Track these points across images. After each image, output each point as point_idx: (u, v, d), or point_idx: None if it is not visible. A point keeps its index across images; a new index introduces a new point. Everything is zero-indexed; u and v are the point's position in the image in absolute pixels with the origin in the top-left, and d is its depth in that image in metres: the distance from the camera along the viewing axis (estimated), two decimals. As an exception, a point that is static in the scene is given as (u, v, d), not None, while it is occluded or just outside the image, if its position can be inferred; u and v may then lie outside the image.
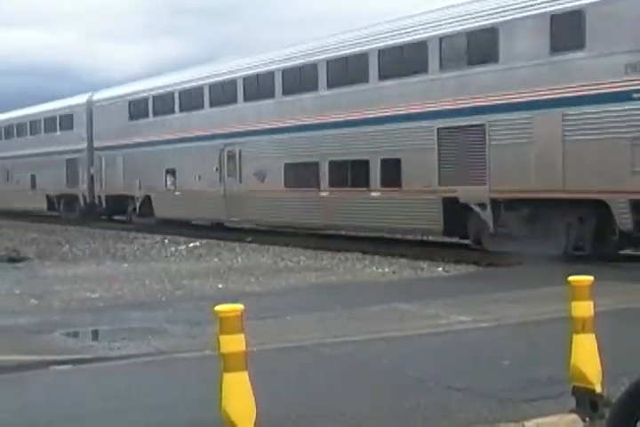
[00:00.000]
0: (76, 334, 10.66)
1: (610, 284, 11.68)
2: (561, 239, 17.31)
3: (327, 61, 23.35)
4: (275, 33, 77.29)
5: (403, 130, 20.64)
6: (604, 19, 16.07)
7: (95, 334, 10.93)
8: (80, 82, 72.31)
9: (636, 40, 15.47)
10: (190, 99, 30.24)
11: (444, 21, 19.66)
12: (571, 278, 6.73)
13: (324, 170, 23.49)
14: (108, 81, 51.44)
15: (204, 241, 25.54)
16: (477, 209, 18.89)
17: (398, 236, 23.58)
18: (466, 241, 20.18)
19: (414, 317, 11.12)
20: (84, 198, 37.94)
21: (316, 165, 23.71)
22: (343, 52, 22.75)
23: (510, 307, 11.61)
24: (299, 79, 24.52)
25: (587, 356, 6.56)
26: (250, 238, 25.50)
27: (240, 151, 27.22)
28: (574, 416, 6.53)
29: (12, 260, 20.59)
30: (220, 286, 15.63)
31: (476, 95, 18.68)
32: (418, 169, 20.30)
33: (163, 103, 32.04)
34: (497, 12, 18.32)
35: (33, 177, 43.19)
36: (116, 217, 37.19)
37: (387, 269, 17.99)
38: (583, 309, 6.60)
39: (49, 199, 41.51)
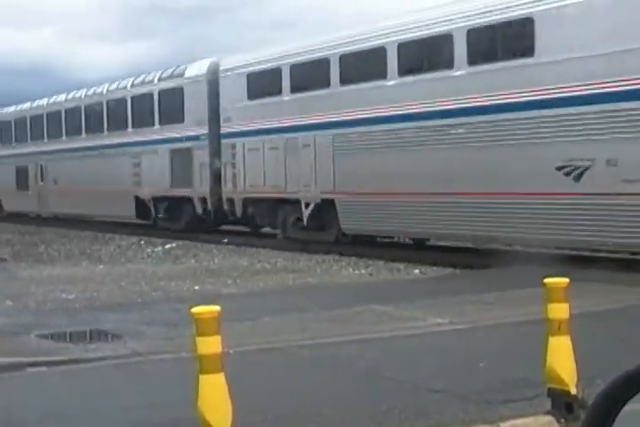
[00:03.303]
0: (51, 336, 10.60)
1: (586, 285, 11.74)
2: None
3: None
4: (251, 34, 77.20)
5: None
6: None
7: (71, 336, 10.88)
8: (56, 81, 71.84)
9: None
10: None
11: None
12: (547, 280, 6.77)
13: None
14: (85, 81, 51.09)
15: (181, 242, 25.47)
16: None
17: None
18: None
19: (391, 318, 11.14)
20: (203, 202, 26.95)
21: None
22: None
23: (487, 309, 11.65)
24: None
25: (562, 358, 6.60)
26: (226, 240, 25.44)
27: None
28: (549, 418, 6.57)
29: (-14, 261, 20.51)
30: (196, 287, 15.60)
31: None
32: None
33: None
34: None
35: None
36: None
37: (364, 271, 18.01)
38: (559, 310, 6.64)
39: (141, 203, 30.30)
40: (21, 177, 39.56)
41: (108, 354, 9.28)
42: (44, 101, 37.92)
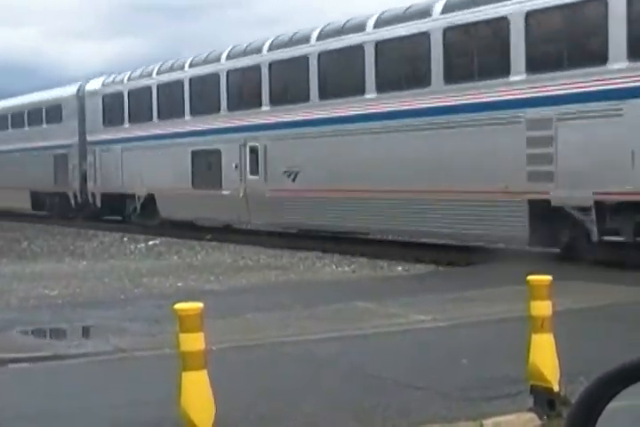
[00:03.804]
0: (34, 332, 10.57)
1: (569, 283, 11.77)
2: None
3: None
4: (238, 32, 77.05)
5: None
6: None
7: (53, 332, 10.85)
8: (40, 79, 71.47)
9: None
10: None
11: None
12: (529, 278, 6.79)
13: None
14: (68, 78, 50.82)
15: (164, 239, 25.42)
16: None
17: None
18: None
19: (374, 315, 11.15)
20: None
21: None
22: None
23: (469, 306, 11.67)
24: None
25: (545, 355, 6.62)
26: (209, 236, 25.41)
27: None
28: (532, 415, 6.59)
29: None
30: (179, 284, 15.58)
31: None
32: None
33: None
34: None
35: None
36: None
37: (346, 268, 18.02)
38: (542, 308, 6.66)
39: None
40: None
41: (90, 350, 9.27)
42: None
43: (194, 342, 5.57)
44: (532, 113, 16.18)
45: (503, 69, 16.77)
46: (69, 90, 34.28)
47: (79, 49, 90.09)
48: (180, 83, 26.82)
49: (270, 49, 23.27)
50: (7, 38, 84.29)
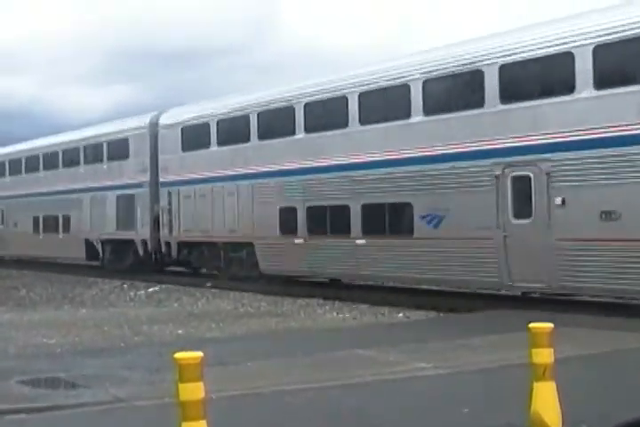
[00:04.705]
0: (31, 382, 10.46)
1: (570, 330, 11.72)
2: None
3: None
4: (239, 78, 77.61)
5: None
6: None
7: (52, 382, 10.75)
8: (40, 126, 71.93)
9: None
10: None
11: None
12: (531, 325, 6.75)
13: None
14: (67, 126, 51.18)
15: (164, 286, 25.35)
16: None
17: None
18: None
19: (375, 363, 11.07)
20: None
21: None
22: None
23: (470, 353, 11.60)
24: None
25: (547, 403, 6.56)
26: (209, 283, 25.34)
27: None
28: (535, 464, 6.51)
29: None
30: (179, 331, 15.50)
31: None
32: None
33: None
34: None
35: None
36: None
37: (347, 315, 17.95)
38: (543, 355, 6.61)
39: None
40: None
41: (89, 400, 9.17)
42: None
43: (193, 391, 5.52)
44: None
45: None
46: (138, 122, 30.24)
47: (77, 96, 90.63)
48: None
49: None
50: (7, 86, 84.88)
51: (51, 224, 35.25)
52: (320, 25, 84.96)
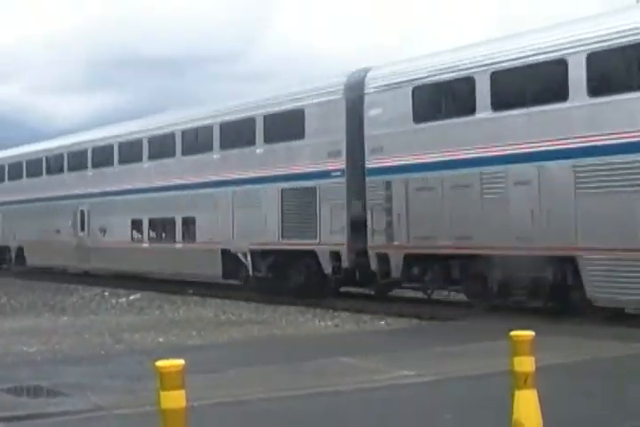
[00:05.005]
0: (11, 390, 10.40)
1: (551, 338, 11.74)
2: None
3: None
4: (222, 86, 77.57)
5: None
6: None
7: (32, 390, 10.68)
8: (29, 131, 71.62)
9: None
10: None
11: None
12: (512, 333, 6.76)
13: None
14: (55, 132, 50.86)
15: (145, 293, 25.26)
16: None
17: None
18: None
19: (357, 371, 11.06)
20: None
21: None
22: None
23: (452, 361, 11.61)
24: None
25: (528, 411, 6.57)
26: (191, 291, 25.26)
27: None
28: (517, 472, 6.51)
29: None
30: (161, 339, 15.45)
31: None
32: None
33: None
34: None
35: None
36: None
37: (329, 323, 17.94)
38: (525, 364, 6.62)
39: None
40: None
41: (70, 409, 9.11)
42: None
43: (175, 399, 5.50)
44: None
45: None
46: (325, 84, 21.70)
47: (64, 102, 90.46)
48: None
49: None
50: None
51: (162, 230, 27.85)
52: (313, 30, 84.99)
